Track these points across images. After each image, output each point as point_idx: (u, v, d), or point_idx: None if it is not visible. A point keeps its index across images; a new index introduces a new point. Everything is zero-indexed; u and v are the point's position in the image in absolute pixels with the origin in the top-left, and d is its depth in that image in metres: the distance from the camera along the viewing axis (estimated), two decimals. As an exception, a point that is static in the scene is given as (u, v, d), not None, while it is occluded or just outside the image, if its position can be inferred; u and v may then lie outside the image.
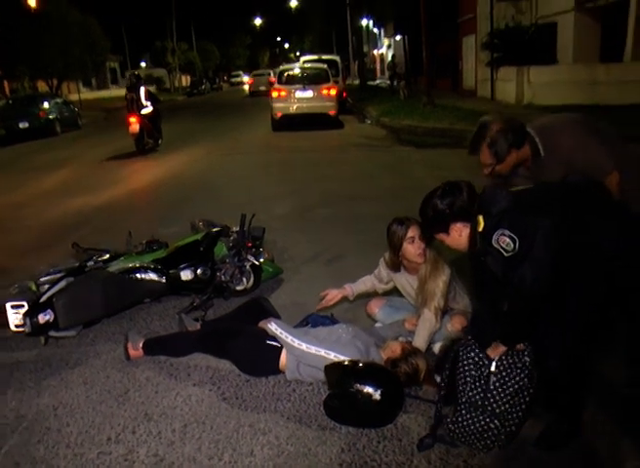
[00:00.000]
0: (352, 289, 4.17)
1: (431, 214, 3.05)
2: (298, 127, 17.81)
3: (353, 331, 3.62)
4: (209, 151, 14.54)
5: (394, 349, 3.46)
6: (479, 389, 2.86)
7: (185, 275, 4.80)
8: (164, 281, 4.73)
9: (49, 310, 4.08)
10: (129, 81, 14.96)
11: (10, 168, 14.17)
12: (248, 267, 4.98)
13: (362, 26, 51.06)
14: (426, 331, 3.66)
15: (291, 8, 61.91)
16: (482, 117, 3.38)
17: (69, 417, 3.36)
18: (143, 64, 66.25)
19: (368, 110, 21.66)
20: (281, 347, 3.58)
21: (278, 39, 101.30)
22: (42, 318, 4.05)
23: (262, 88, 37.67)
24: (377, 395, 3.06)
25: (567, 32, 21.21)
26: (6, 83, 35.70)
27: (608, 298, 2.69)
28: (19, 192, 10.52)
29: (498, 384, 2.82)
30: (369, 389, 3.07)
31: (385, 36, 51.82)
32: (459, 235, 3.02)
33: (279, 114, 18.16)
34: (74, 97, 34.70)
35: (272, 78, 19.50)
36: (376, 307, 4.23)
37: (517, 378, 2.81)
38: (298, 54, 74.17)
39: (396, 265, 3.94)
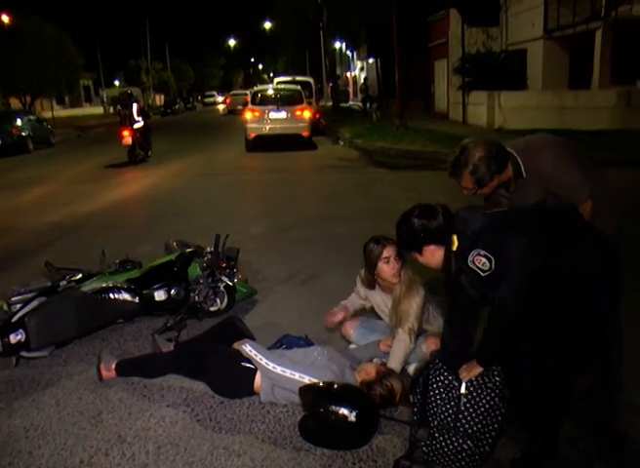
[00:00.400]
0: (351, 304, 4.20)
1: (406, 235, 3.08)
2: (271, 148, 17.85)
3: (328, 354, 3.63)
4: (183, 171, 14.53)
5: (369, 371, 3.48)
6: (450, 411, 2.88)
7: (159, 295, 4.77)
8: (137, 301, 4.69)
9: (20, 330, 4.03)
10: (123, 99, 17.26)
11: (-20, 185, 13.95)
12: (222, 288, 4.96)
13: (335, 49, 51.51)
14: (401, 352, 3.69)
15: (265, 29, 62.25)
16: (463, 141, 3.34)
17: (41, 439, 3.31)
18: (117, 83, 66.02)
19: (341, 132, 21.79)
20: (255, 369, 3.57)
21: (252, 60, 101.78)
22: (13, 338, 4.00)
23: (239, 107, 37.82)
24: (352, 417, 3.07)
25: (536, 59, 21.72)
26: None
27: (586, 324, 2.71)
28: (-11, 210, 10.37)
29: (468, 405, 2.84)
30: (344, 411, 3.08)
31: (358, 59, 52.29)
32: (432, 256, 3.05)
33: (253, 135, 18.15)
34: (47, 114, 34.45)
35: (249, 98, 19.50)
36: (350, 328, 4.24)
37: (488, 398, 2.83)
38: (271, 75, 74.50)
39: (371, 283, 3.99)
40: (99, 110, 52.19)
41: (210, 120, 40.02)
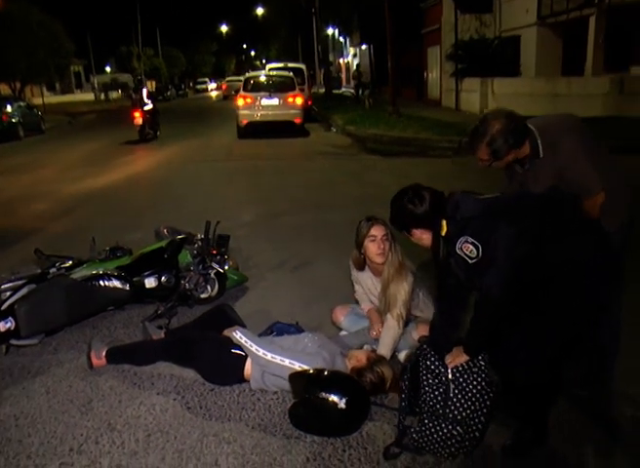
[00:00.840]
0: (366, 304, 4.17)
1: (394, 215, 3.08)
2: (263, 134, 17.78)
3: (319, 341, 3.62)
4: (174, 158, 14.46)
5: (359, 358, 3.47)
6: (439, 397, 2.88)
7: (149, 282, 4.76)
8: (128, 288, 4.67)
9: (10, 318, 4.00)
10: (134, 83, 20.66)
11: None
12: (212, 275, 4.95)
13: (328, 35, 51.28)
14: (390, 338, 3.69)
15: (257, 15, 61.87)
16: (484, 111, 3.25)
17: (31, 428, 3.30)
18: (108, 69, 65.63)
19: (333, 119, 21.72)
20: (246, 356, 3.56)
21: (244, 46, 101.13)
22: (3, 326, 3.98)
23: (234, 93, 37.86)
24: (342, 403, 3.06)
25: (530, 46, 21.66)
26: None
27: (581, 314, 2.71)
28: (-22, 197, 10.30)
29: (457, 391, 2.85)
30: (334, 397, 3.07)
31: (351, 45, 52.13)
32: (420, 238, 3.03)
33: (245, 121, 18.08)
34: (38, 100, 34.21)
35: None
36: (341, 315, 4.24)
37: (475, 383, 2.83)
38: (264, 61, 74.06)
39: (360, 263, 3.99)
40: (89, 97, 51.91)
41: (202, 107, 39.78)
